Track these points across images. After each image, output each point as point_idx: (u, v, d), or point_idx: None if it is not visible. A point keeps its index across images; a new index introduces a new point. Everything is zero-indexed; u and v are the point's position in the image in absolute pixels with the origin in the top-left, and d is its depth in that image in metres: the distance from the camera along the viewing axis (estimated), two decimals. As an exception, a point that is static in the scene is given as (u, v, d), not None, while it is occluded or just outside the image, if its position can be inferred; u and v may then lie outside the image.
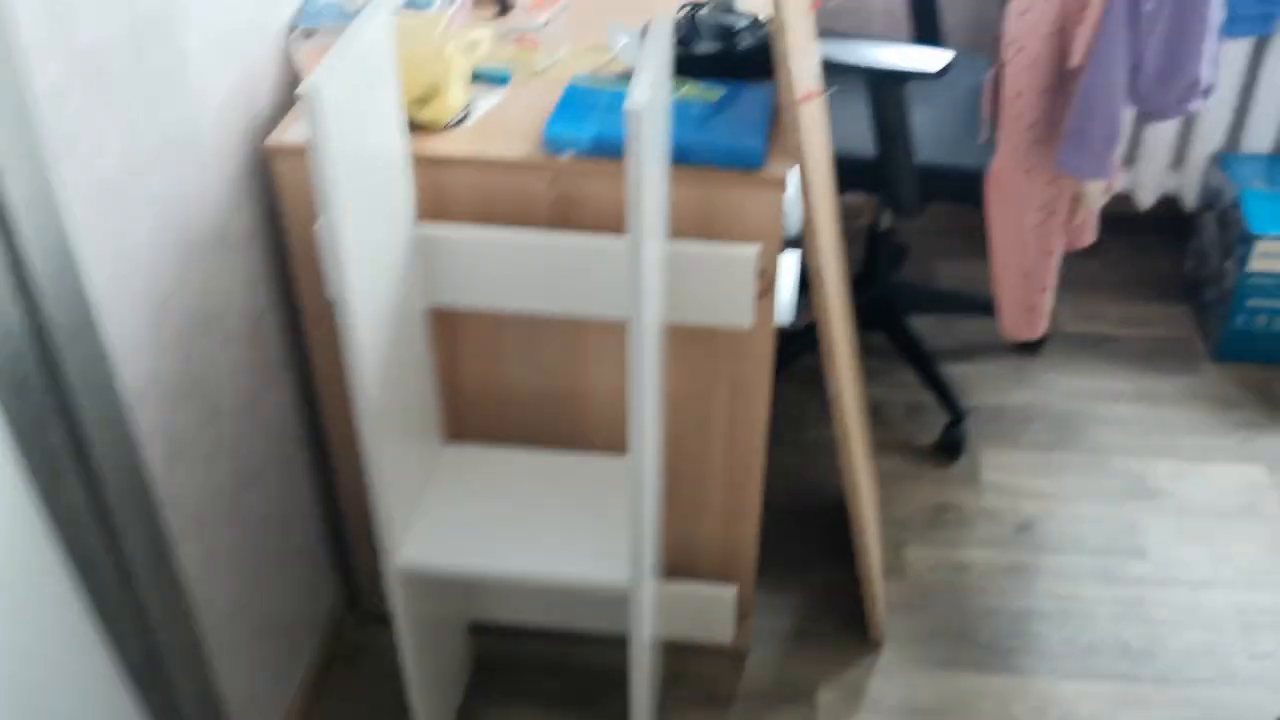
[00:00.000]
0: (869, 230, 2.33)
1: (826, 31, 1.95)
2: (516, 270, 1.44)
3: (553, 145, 1.43)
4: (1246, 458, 2.21)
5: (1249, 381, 2.39)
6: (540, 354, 1.60)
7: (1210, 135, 2.56)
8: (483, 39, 1.55)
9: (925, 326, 2.52)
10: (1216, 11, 1.83)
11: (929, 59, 1.84)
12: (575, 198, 1.45)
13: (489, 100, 1.54)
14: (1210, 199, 2.54)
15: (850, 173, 2.02)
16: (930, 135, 2.07)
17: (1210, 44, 1.85)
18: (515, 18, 1.77)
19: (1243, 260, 2.32)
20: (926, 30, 2.31)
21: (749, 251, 1.42)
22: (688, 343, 1.56)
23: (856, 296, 2.33)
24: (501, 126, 1.49)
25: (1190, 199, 2.64)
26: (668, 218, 1.45)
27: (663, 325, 1.50)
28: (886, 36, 2.65)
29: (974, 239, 2.57)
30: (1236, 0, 2.32)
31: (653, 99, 1.17)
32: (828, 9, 2.61)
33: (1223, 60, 2.45)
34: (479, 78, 1.58)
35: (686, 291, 1.46)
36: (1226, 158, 2.52)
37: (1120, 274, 2.69)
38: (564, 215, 1.46)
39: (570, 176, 1.44)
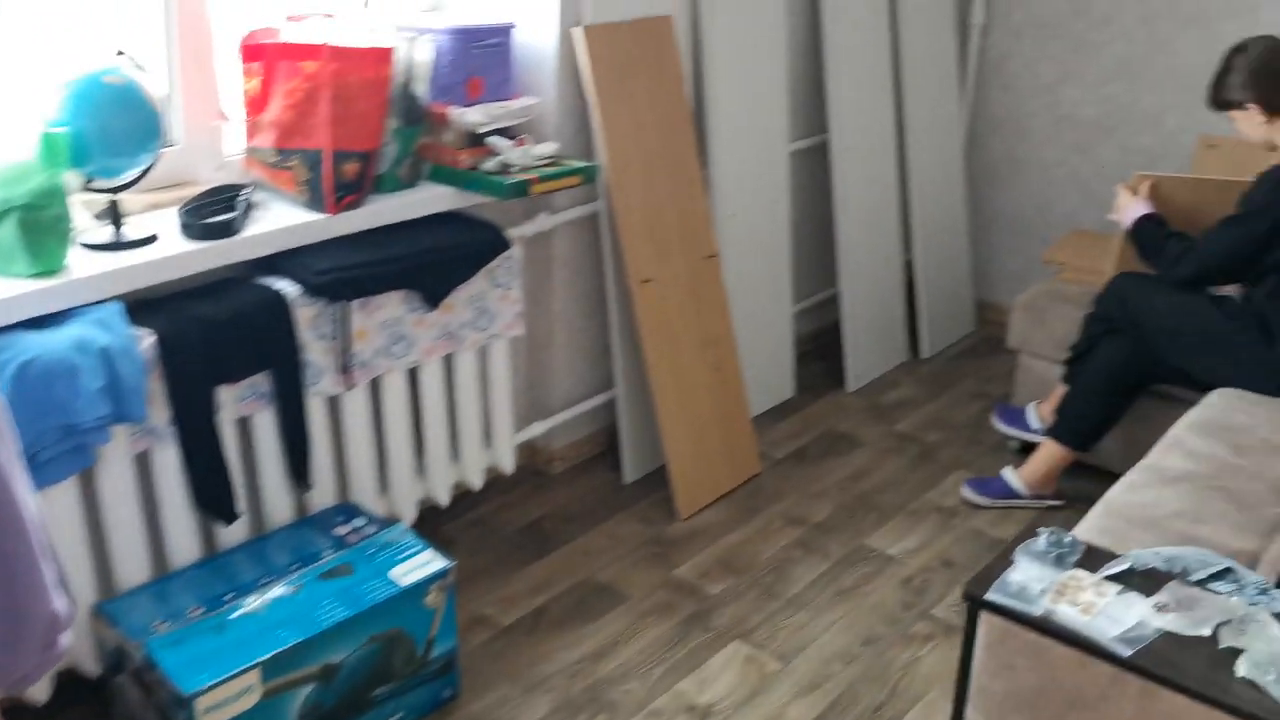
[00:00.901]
0: None
1: None
2: None
3: None
4: None
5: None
6: None
7: (81, 591, 2.06)
8: None
9: None
10: (42, 536, 1.36)
11: None
12: None
13: None
14: (116, 660, 2.06)
15: None
16: None
17: (51, 570, 1.38)
18: None
19: (191, 725, 1.89)
20: None
21: None
22: None
23: None
24: None
25: (90, 665, 2.12)
26: None
27: None
28: None
29: None
30: (38, 449, 1.88)
31: None
32: None
33: (50, 508, 1.98)
34: None
35: None
36: (109, 607, 2.07)
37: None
38: None
39: None
